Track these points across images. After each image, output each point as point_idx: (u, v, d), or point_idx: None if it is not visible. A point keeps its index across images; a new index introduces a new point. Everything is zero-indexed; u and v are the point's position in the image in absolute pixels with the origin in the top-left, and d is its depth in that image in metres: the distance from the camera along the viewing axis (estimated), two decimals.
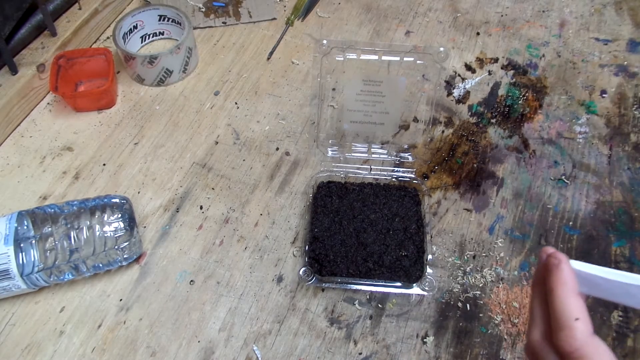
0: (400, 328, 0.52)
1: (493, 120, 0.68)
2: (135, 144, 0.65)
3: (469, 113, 0.69)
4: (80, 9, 0.73)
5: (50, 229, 0.50)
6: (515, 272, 0.55)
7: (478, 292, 0.54)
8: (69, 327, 0.51)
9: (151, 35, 0.75)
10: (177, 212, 0.59)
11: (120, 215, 0.53)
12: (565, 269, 0.33)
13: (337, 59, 0.54)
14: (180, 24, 0.72)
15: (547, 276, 0.34)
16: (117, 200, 0.54)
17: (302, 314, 0.53)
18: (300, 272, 0.51)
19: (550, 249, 0.35)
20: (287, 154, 0.64)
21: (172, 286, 0.54)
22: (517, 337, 0.51)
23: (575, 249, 0.57)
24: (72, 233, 0.50)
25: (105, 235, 0.51)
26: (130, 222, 0.53)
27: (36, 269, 0.49)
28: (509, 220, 0.59)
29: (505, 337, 0.51)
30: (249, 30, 0.78)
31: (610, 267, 0.56)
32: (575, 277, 0.33)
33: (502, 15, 0.80)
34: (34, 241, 0.49)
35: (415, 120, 0.66)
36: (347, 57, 0.53)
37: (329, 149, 0.61)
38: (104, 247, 0.51)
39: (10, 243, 0.48)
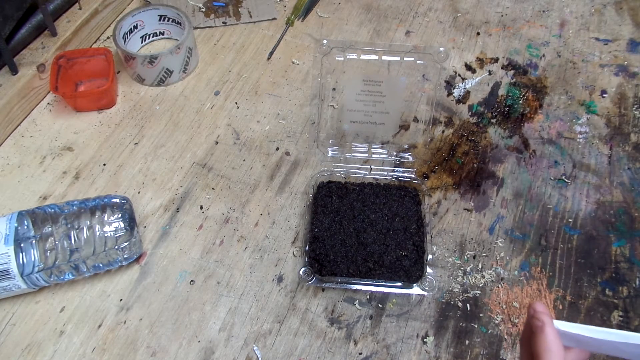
0: (400, 328, 0.52)
1: (493, 120, 0.68)
2: (135, 144, 0.65)
3: (469, 113, 0.69)
4: (80, 9, 0.73)
5: (50, 229, 0.50)
6: (516, 272, 0.55)
7: (478, 292, 0.54)
8: (69, 327, 0.51)
9: (151, 35, 0.75)
10: (177, 212, 0.59)
11: (120, 215, 0.53)
12: (549, 333, 0.33)
13: (337, 59, 0.54)
14: (180, 24, 0.72)
15: (532, 338, 0.34)
16: (117, 200, 0.54)
17: (302, 314, 0.53)
18: (301, 272, 0.51)
19: (538, 306, 0.35)
20: (287, 154, 0.64)
21: (172, 286, 0.54)
22: (517, 337, 0.51)
23: (576, 249, 0.57)
24: (72, 233, 0.50)
25: (106, 235, 0.51)
26: (131, 222, 0.53)
27: (36, 268, 0.49)
28: (509, 220, 0.59)
29: (506, 337, 0.51)
30: (249, 30, 0.78)
31: (610, 267, 0.56)
32: (560, 340, 0.33)
33: (502, 15, 0.80)
34: (34, 241, 0.49)
35: (416, 120, 0.66)
36: (347, 57, 0.53)
37: (329, 149, 0.61)
38: (104, 247, 0.51)
39: (11, 243, 0.48)
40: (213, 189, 0.61)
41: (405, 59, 0.53)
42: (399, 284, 0.51)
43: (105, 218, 0.52)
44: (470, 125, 0.67)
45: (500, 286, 0.54)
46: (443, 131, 0.67)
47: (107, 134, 0.66)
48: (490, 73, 0.73)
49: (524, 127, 0.67)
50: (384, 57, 0.53)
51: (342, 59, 0.53)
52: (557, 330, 0.34)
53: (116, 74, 0.71)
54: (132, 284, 0.54)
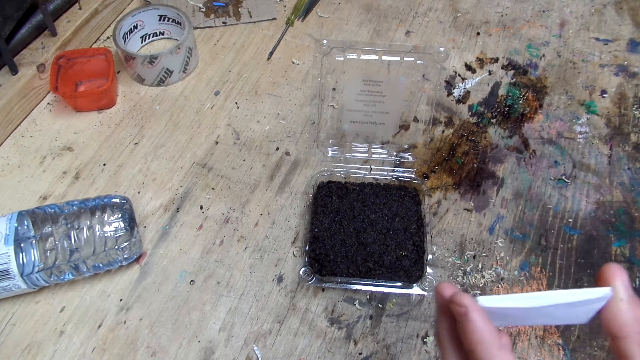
0: (400, 328, 0.52)
1: (493, 120, 0.68)
2: (135, 144, 0.65)
3: (469, 113, 0.69)
4: (80, 9, 0.73)
5: (50, 229, 0.50)
6: (516, 272, 0.55)
7: (478, 292, 0.54)
8: (69, 327, 0.51)
9: (151, 35, 0.75)
10: (177, 212, 0.59)
11: (120, 215, 0.53)
12: (477, 319, 0.28)
13: (337, 59, 0.54)
14: (180, 24, 0.72)
15: (459, 330, 0.29)
16: (117, 200, 0.54)
17: (302, 314, 0.53)
18: (301, 272, 0.51)
19: (446, 288, 0.30)
20: (287, 154, 0.64)
21: (172, 286, 0.54)
22: (517, 337, 0.51)
23: (576, 249, 0.57)
24: (72, 233, 0.50)
25: (106, 235, 0.51)
26: (131, 222, 0.53)
27: (36, 268, 0.49)
28: (509, 220, 0.59)
29: None
30: (249, 30, 0.78)
31: None
32: (492, 324, 0.28)
33: (502, 15, 0.80)
34: (34, 241, 0.49)
35: (416, 120, 0.66)
36: (347, 57, 0.53)
37: (329, 149, 0.61)
38: (104, 247, 0.51)
39: (11, 243, 0.48)
40: (213, 189, 0.61)
41: (405, 59, 0.53)
42: (399, 284, 0.51)
43: (105, 218, 0.52)
44: (470, 125, 0.67)
45: (500, 286, 0.54)
46: (443, 131, 0.67)
47: (107, 134, 0.66)
48: (490, 73, 0.73)
49: (524, 127, 0.67)
50: (384, 57, 0.53)
51: (342, 59, 0.53)
52: (484, 310, 0.29)
53: (116, 74, 0.71)
54: (132, 284, 0.54)
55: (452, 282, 0.55)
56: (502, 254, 0.57)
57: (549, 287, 0.54)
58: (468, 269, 0.55)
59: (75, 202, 0.53)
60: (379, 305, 0.53)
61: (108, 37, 0.76)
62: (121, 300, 0.53)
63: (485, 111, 0.69)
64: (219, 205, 0.60)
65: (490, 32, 0.78)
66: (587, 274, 0.55)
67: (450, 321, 0.30)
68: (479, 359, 0.27)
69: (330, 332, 0.52)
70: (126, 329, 0.51)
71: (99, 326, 0.51)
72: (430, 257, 0.53)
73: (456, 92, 0.71)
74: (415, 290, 0.51)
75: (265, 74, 0.72)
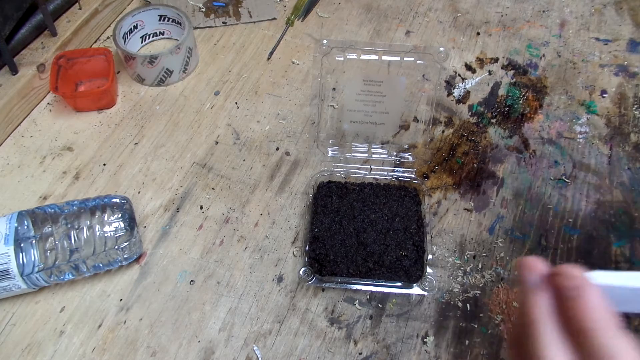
0: (400, 328, 0.52)
1: (493, 120, 0.68)
2: (135, 144, 0.65)
3: (469, 113, 0.69)
4: (80, 9, 0.73)
5: (50, 229, 0.50)
6: (516, 272, 0.55)
7: (478, 292, 0.54)
8: (69, 327, 0.51)
9: (151, 35, 0.75)
10: (177, 212, 0.59)
11: (120, 215, 0.53)
12: (594, 295, 0.24)
13: (337, 59, 0.54)
14: (180, 24, 0.72)
15: (570, 308, 0.25)
16: (117, 200, 0.54)
17: (302, 314, 0.53)
18: (301, 272, 0.51)
19: (537, 262, 0.26)
20: (287, 154, 0.64)
21: (172, 286, 0.54)
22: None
23: (576, 249, 0.57)
24: (72, 233, 0.50)
25: (106, 235, 0.51)
26: (131, 222, 0.53)
27: (36, 268, 0.49)
28: (509, 220, 0.59)
29: (506, 337, 0.51)
30: (249, 30, 0.78)
31: (610, 267, 0.56)
32: (607, 305, 0.24)
33: (502, 15, 0.80)
34: (34, 241, 0.49)
35: (416, 120, 0.66)
36: (347, 57, 0.53)
37: (329, 149, 0.61)
38: (104, 247, 0.51)
39: (11, 243, 0.48)
40: (213, 189, 0.61)
41: (405, 59, 0.53)
42: (399, 284, 0.51)
43: (105, 218, 0.52)
44: (470, 125, 0.67)
45: (500, 286, 0.54)
46: (443, 131, 0.67)
47: (107, 134, 0.66)
48: (490, 73, 0.73)
49: (524, 127, 0.67)
50: (384, 57, 0.53)
51: (342, 59, 0.53)
52: (599, 289, 0.25)
53: (116, 74, 0.71)
54: (132, 284, 0.54)
55: (452, 282, 0.55)
56: (502, 254, 0.57)
57: None
58: (468, 269, 0.55)
59: (75, 202, 0.53)
60: (379, 305, 0.53)
61: (108, 37, 0.76)
62: (121, 300, 0.53)
63: (485, 111, 0.69)
64: (219, 205, 0.60)
65: (490, 32, 0.78)
66: None
67: (552, 298, 0.26)
68: (595, 339, 0.24)
69: (330, 332, 0.52)
70: (126, 329, 0.51)
71: (99, 326, 0.51)
72: (430, 257, 0.53)
73: (456, 92, 0.71)
74: (415, 290, 0.51)
75: (265, 74, 0.72)
